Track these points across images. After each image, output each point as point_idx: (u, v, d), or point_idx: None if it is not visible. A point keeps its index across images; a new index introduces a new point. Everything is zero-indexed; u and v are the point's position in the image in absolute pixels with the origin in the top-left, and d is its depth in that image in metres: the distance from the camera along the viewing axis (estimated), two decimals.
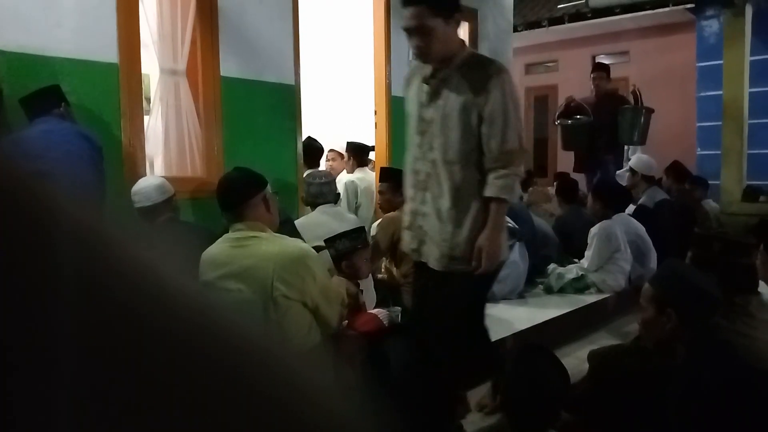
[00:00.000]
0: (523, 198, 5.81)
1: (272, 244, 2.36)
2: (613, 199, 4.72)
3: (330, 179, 3.94)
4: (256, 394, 0.20)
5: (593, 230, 4.51)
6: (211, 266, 2.35)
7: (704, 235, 2.60)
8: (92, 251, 0.19)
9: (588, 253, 4.52)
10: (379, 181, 4.20)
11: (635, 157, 5.96)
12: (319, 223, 3.59)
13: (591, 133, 5.77)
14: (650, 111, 5.77)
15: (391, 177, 4.08)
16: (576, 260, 4.75)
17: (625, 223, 4.71)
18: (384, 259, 3.89)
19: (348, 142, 5.56)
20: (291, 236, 2.62)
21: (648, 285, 2.18)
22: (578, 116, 5.88)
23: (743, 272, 2.43)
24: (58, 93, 3.09)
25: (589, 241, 4.51)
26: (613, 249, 4.47)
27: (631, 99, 5.90)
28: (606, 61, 8.12)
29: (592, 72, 6.01)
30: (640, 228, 4.82)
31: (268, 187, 2.53)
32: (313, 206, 3.80)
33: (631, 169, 5.80)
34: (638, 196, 5.60)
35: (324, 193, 3.80)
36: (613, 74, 6.01)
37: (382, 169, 4.44)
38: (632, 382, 2.25)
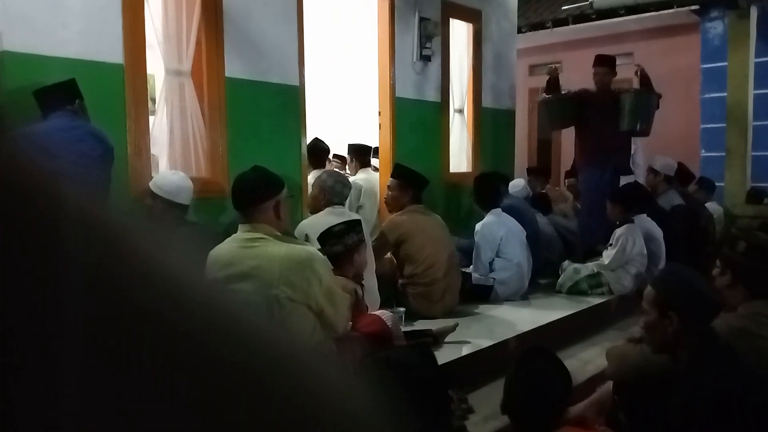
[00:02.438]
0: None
1: (279, 246, 2.38)
2: (632, 202, 4.76)
3: (349, 182, 4.01)
4: (267, 392, 0.20)
5: (619, 231, 4.60)
6: (217, 266, 2.37)
7: (735, 237, 2.60)
8: (104, 250, 0.19)
9: (611, 252, 4.59)
10: (391, 177, 4.20)
11: (657, 158, 5.92)
12: (328, 223, 3.60)
13: (580, 106, 5.31)
14: (656, 95, 5.22)
15: (402, 175, 4.08)
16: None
17: (643, 226, 4.77)
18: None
19: (350, 144, 5.57)
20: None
21: (650, 288, 2.18)
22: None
23: None
24: (74, 88, 3.05)
25: (613, 241, 4.60)
26: (636, 252, 4.58)
27: (636, 83, 5.35)
28: None
29: (594, 65, 5.37)
30: (656, 230, 4.87)
31: (284, 191, 2.55)
32: (325, 207, 3.81)
33: (653, 170, 5.78)
34: (656, 198, 5.57)
35: (345, 195, 3.85)
36: (617, 75, 5.67)
37: (396, 165, 4.42)
38: (643, 383, 2.26)
